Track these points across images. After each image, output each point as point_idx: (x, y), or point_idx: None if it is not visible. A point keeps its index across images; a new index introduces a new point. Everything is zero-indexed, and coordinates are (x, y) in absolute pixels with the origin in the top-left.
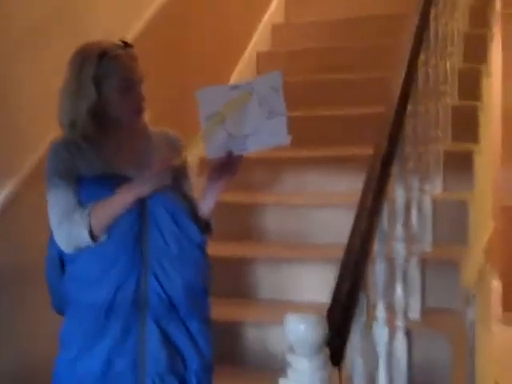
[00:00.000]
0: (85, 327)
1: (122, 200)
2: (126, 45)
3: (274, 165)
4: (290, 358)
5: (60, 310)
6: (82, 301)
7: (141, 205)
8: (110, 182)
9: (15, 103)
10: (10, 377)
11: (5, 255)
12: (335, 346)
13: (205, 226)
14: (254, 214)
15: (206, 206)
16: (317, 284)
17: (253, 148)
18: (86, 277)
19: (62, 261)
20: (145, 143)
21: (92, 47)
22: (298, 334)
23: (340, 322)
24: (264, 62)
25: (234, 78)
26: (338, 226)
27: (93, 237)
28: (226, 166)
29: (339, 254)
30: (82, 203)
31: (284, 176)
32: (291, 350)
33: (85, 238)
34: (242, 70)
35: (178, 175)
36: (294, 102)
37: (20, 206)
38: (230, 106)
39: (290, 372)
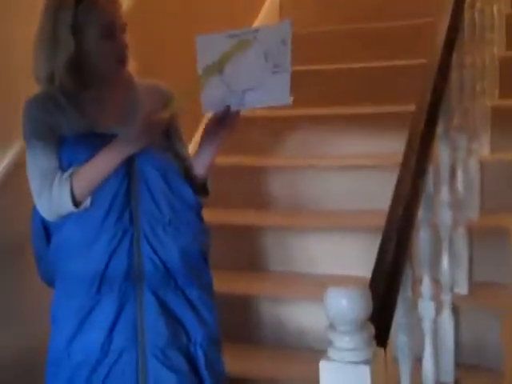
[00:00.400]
0: (77, 303)
1: (106, 160)
2: None
3: (291, 123)
4: (331, 335)
5: (50, 282)
6: (72, 273)
7: (128, 165)
8: (94, 141)
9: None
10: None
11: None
12: (380, 321)
13: (200, 188)
14: (268, 177)
15: (200, 165)
16: (335, 255)
17: (250, 105)
18: (72, 246)
19: (47, 229)
20: (131, 97)
21: None
22: (339, 309)
23: (384, 295)
24: (288, 9)
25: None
26: (361, 191)
27: (76, 203)
28: (223, 122)
29: (358, 222)
30: (63, 166)
31: (306, 136)
32: (332, 327)
33: (67, 205)
34: (262, 20)
35: (169, 131)
36: (323, 53)
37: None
38: (228, 54)
39: (331, 352)
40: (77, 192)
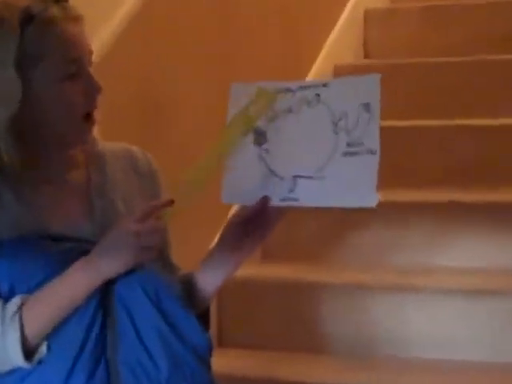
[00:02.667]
0: None
1: (72, 285)
2: None
3: (362, 214)
4: None
5: None
6: None
7: (103, 289)
8: (49, 249)
9: None
10: None
11: None
12: None
13: (199, 316)
14: (321, 299)
15: (210, 283)
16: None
17: (304, 202)
18: None
19: None
20: (99, 174)
21: (7, 5)
22: None
23: None
24: (376, 25)
25: (323, 55)
26: None
27: (27, 353)
28: (255, 222)
29: None
30: (1, 290)
31: (384, 235)
32: None
33: (14, 357)
34: (337, 40)
35: None
36: (436, 101)
37: None
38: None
39: None
40: (29, 336)
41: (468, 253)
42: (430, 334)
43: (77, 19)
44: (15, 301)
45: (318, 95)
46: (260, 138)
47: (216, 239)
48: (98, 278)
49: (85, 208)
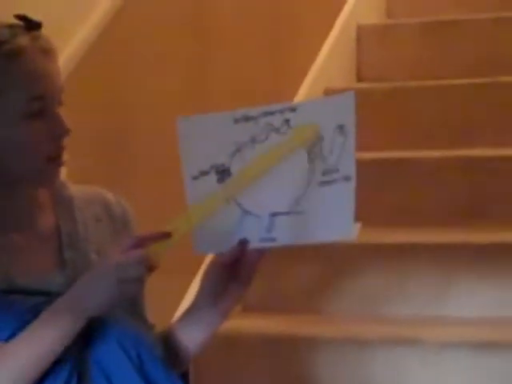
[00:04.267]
0: None
1: (57, 327)
2: (29, 25)
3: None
4: None
5: None
6: None
7: (77, 352)
8: (16, 303)
9: None
10: None
11: None
12: None
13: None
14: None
15: (193, 342)
16: None
17: (283, 240)
18: None
19: None
20: (69, 221)
21: None
22: None
23: None
24: (371, 44)
25: (312, 77)
26: None
27: None
28: (235, 269)
29: None
30: None
31: (384, 278)
32: None
33: None
34: (328, 61)
35: None
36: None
37: None
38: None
39: None
40: None
41: (475, 301)
42: None
43: (48, 52)
44: None
45: (288, 120)
46: (224, 175)
47: (192, 291)
48: (81, 316)
49: (55, 259)
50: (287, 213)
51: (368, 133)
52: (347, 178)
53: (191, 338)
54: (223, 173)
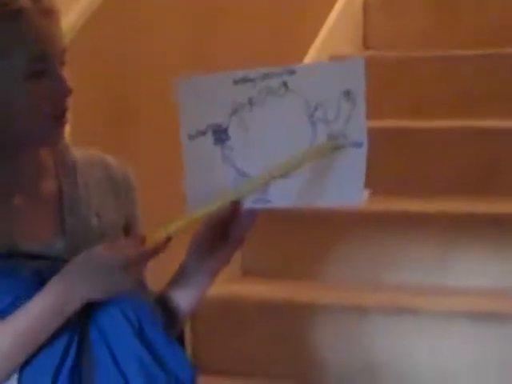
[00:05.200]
0: None
1: (42, 316)
2: None
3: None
4: None
5: None
6: None
7: (78, 317)
8: (18, 267)
9: None
10: None
11: None
12: None
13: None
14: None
15: (186, 302)
16: None
17: (280, 202)
18: None
19: None
20: (71, 186)
21: None
22: None
23: None
24: (378, 13)
25: (315, 50)
26: None
27: None
28: (227, 231)
29: None
30: None
31: (381, 247)
32: None
33: None
34: (334, 29)
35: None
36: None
37: None
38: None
39: None
40: None
41: (477, 271)
42: (432, 362)
43: (49, 12)
44: None
45: (285, 83)
46: (221, 135)
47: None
48: (75, 303)
49: (56, 224)
50: (286, 175)
51: (376, 100)
52: (357, 145)
53: (182, 298)
54: (220, 133)
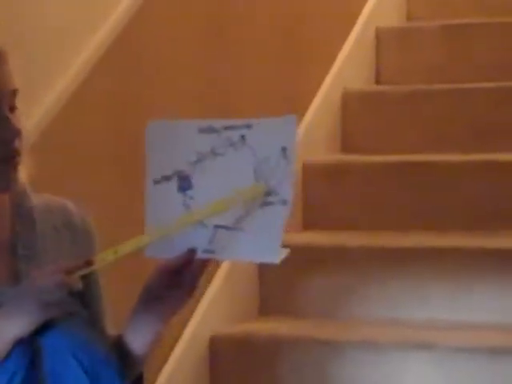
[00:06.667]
0: None
1: None
2: None
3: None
4: None
5: None
6: None
7: (30, 350)
8: None
9: None
10: None
11: None
12: None
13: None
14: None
15: (137, 345)
16: None
17: (218, 254)
18: None
19: None
20: (28, 232)
21: None
22: None
23: None
24: (391, 47)
25: (331, 78)
26: None
27: None
28: (180, 277)
29: None
30: None
31: (392, 283)
32: None
33: None
34: (346, 63)
35: (86, 290)
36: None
37: None
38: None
39: None
40: None
41: (490, 306)
42: None
43: None
44: None
45: (243, 137)
46: (184, 183)
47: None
48: (3, 341)
49: (10, 272)
50: (227, 228)
51: (388, 135)
52: (284, 202)
53: (135, 343)
54: (184, 180)
